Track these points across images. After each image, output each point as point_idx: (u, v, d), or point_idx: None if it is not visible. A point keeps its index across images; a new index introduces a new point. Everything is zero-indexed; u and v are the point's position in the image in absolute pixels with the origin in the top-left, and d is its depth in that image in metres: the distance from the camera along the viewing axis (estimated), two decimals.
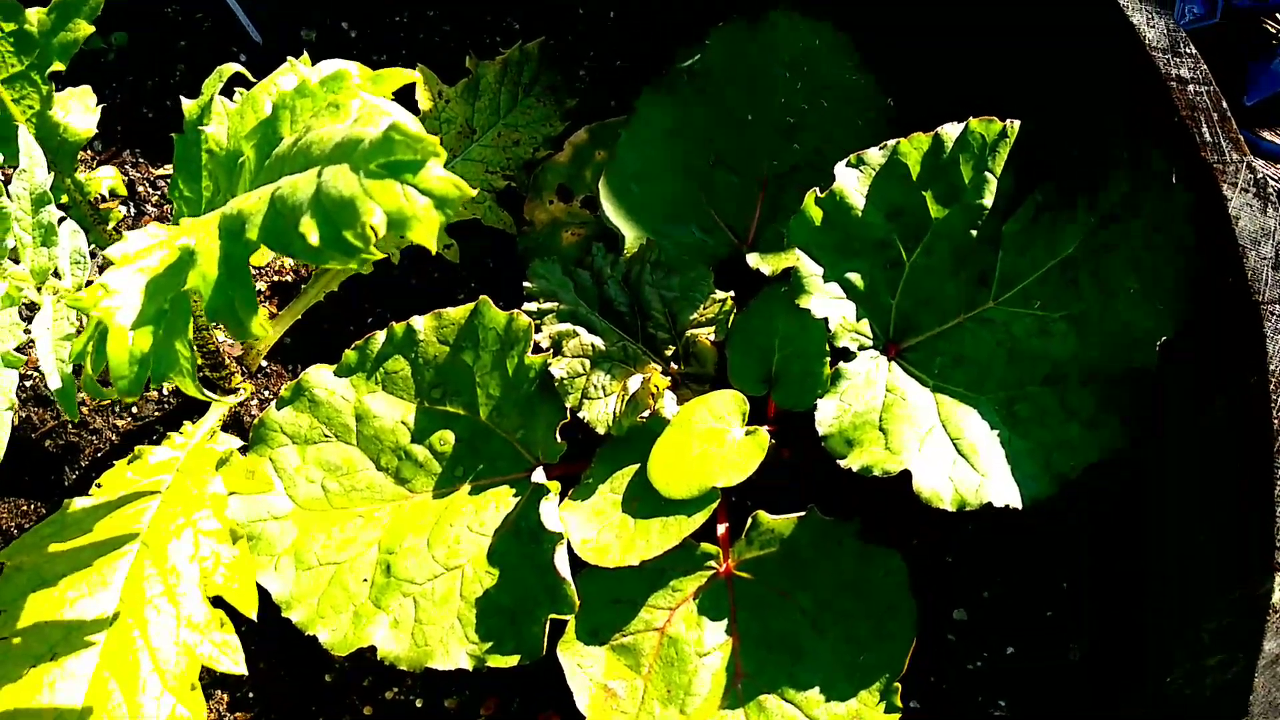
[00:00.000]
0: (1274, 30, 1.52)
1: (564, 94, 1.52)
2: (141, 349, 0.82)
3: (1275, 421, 0.97)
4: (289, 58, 0.91)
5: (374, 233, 0.72)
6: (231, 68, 1.01)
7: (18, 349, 1.06)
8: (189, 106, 0.99)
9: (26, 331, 1.10)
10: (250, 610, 1.08)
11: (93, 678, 0.99)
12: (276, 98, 0.86)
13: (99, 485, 1.17)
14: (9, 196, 1.08)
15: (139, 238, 0.85)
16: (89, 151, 1.58)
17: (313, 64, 0.97)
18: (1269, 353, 0.99)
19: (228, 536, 1.09)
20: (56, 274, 1.14)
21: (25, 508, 1.38)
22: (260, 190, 0.79)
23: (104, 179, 1.19)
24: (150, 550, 1.07)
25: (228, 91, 1.02)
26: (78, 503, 1.12)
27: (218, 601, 1.10)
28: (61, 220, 1.15)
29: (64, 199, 1.20)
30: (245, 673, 1.02)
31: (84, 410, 1.43)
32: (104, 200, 1.37)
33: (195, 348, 1.30)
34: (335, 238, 0.71)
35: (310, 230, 0.71)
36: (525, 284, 1.32)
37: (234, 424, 1.41)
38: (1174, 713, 1.01)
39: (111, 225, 1.26)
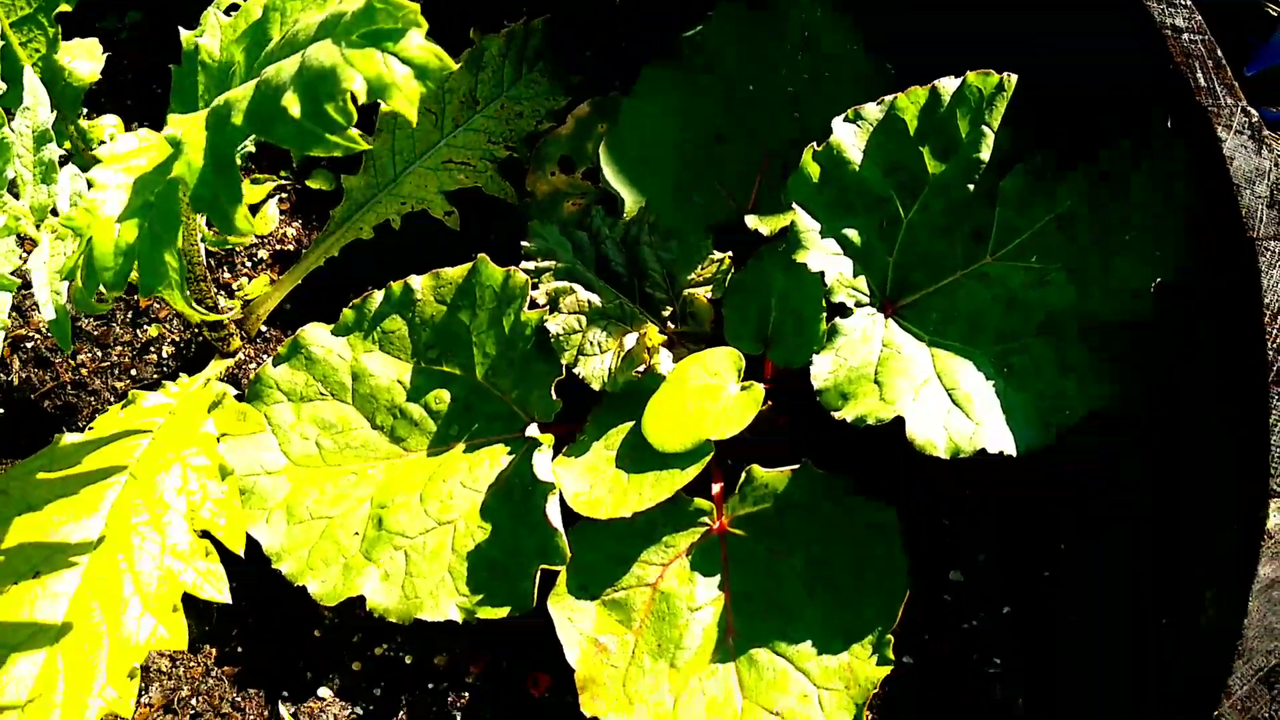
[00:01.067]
0: (1275, 13, 1.52)
1: (568, 71, 1.53)
2: (126, 240, 0.82)
3: (1270, 352, 0.96)
4: None
5: (354, 106, 0.72)
6: None
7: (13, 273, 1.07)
8: (187, 36, 1.00)
9: (22, 258, 1.12)
10: (238, 546, 1.07)
11: (74, 597, 0.98)
12: (267, 1, 0.87)
13: (92, 427, 1.18)
14: (12, 131, 1.09)
15: (128, 140, 0.86)
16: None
17: None
18: (1263, 287, 0.98)
19: (217, 473, 1.09)
20: (55, 213, 1.15)
21: None
22: (248, 83, 0.80)
23: (107, 126, 1.21)
24: (138, 482, 1.07)
25: None
26: (69, 438, 1.12)
27: (206, 539, 1.09)
28: (63, 162, 1.16)
29: (66, 145, 1.22)
30: (229, 600, 1.01)
31: (83, 371, 1.43)
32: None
33: (194, 303, 1.31)
34: (316, 111, 0.72)
35: (292, 104, 0.72)
36: (523, 243, 1.33)
37: (232, 385, 1.41)
38: (1172, 654, 0.99)
39: None
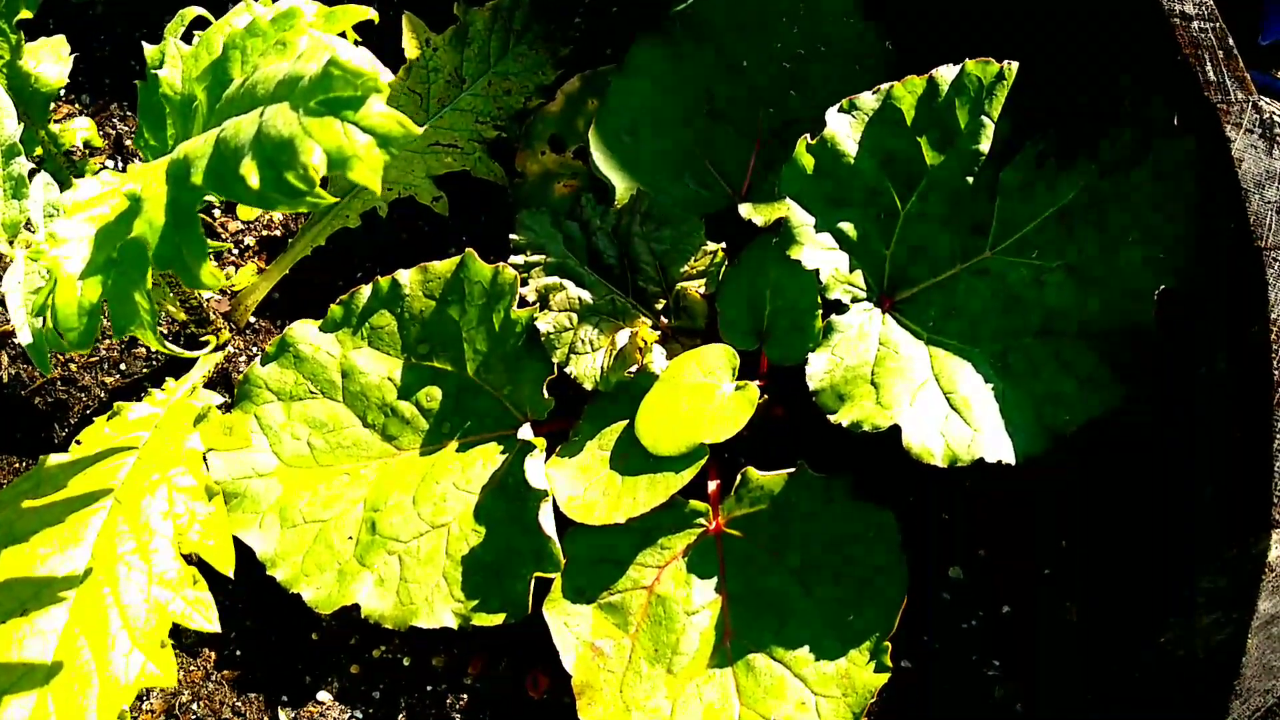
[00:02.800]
0: None
1: (557, 41, 1.48)
2: (90, 299, 0.79)
3: (1276, 373, 0.93)
4: None
5: (316, 174, 0.69)
6: (194, 11, 0.98)
7: None
8: (150, 52, 0.96)
9: None
10: (227, 568, 1.06)
11: (62, 634, 0.98)
12: (228, 37, 0.83)
13: (78, 443, 1.16)
14: None
15: (90, 186, 0.83)
16: (76, 105, 1.56)
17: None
18: (1270, 301, 0.95)
19: (203, 493, 1.07)
20: (29, 227, 1.12)
21: (17, 465, 1.37)
22: (207, 134, 0.77)
23: (78, 130, 1.17)
24: (124, 507, 1.05)
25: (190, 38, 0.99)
26: (54, 459, 1.11)
27: (194, 561, 1.08)
28: (33, 173, 1.13)
29: (38, 151, 1.18)
30: (218, 630, 1.01)
31: (72, 367, 1.41)
32: (85, 151, 1.35)
33: (177, 302, 1.29)
34: (276, 180, 0.69)
35: (250, 173, 0.68)
36: (512, 236, 1.30)
37: (222, 380, 1.40)
38: (1168, 674, 0.98)
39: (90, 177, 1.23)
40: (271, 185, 0.69)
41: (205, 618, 1.00)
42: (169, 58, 0.91)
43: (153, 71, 0.94)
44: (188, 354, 1.15)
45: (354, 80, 0.67)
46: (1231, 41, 1.05)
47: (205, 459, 1.18)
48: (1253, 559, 0.88)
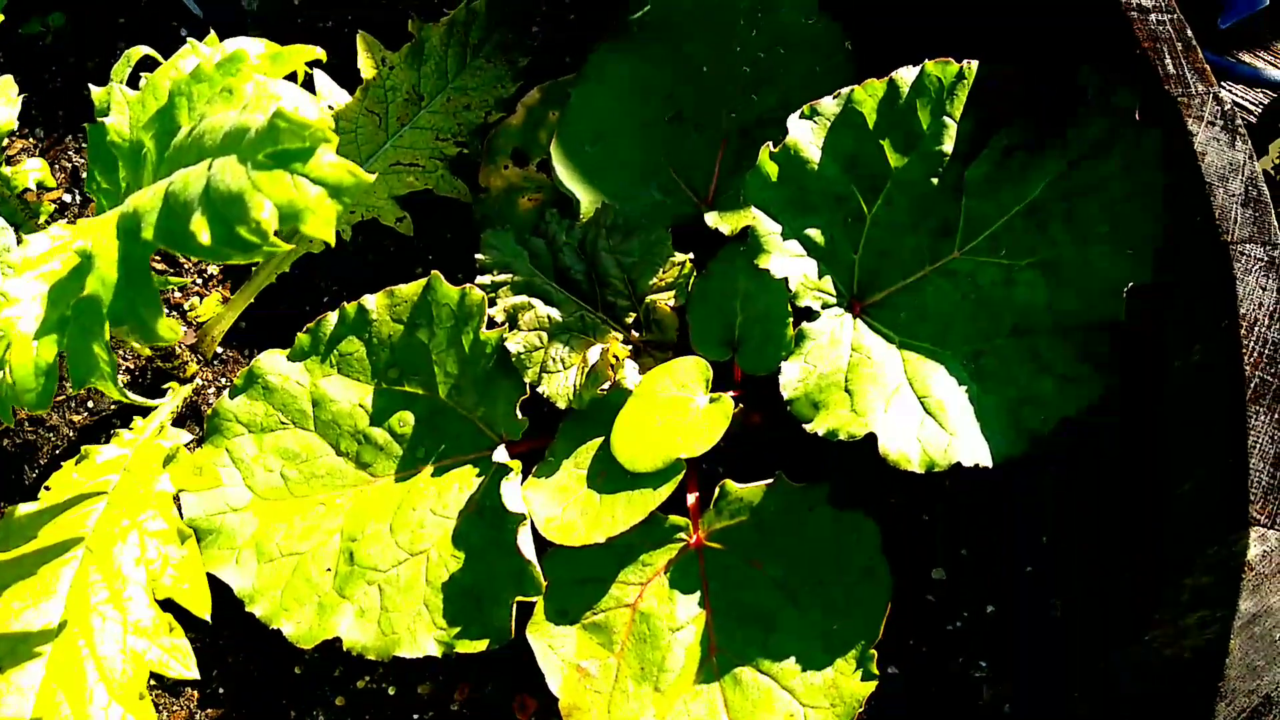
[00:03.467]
0: None
1: (516, 52, 1.47)
2: (46, 359, 0.78)
3: (1247, 369, 0.92)
4: (189, 39, 0.87)
5: (269, 226, 0.67)
6: (140, 50, 0.96)
7: None
8: (97, 95, 0.94)
9: None
10: (203, 611, 1.05)
11: (40, 690, 0.96)
12: (173, 84, 0.81)
13: (47, 488, 1.14)
14: None
15: (40, 242, 0.81)
16: (30, 139, 1.53)
17: (254, 36, 0.92)
18: (1239, 295, 0.94)
19: (175, 537, 1.06)
20: None
21: None
22: (156, 186, 0.75)
23: (30, 172, 1.15)
24: (95, 555, 1.04)
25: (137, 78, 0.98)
26: (22, 509, 1.09)
27: (170, 605, 1.07)
28: None
29: None
30: (196, 676, 1.00)
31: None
32: (39, 192, 1.33)
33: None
34: (228, 235, 0.67)
35: (201, 229, 0.67)
36: (478, 256, 1.28)
37: (192, 413, 1.38)
38: (1154, 674, 0.97)
39: (44, 218, 1.22)
40: (224, 240, 0.68)
41: (183, 664, 0.99)
42: (115, 104, 0.89)
43: (101, 114, 0.92)
44: (150, 403, 1.13)
45: (301, 132, 0.66)
46: (1190, 33, 1.05)
47: (177, 498, 1.17)
48: (1233, 555, 0.87)
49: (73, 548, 1.05)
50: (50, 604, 1.01)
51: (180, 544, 1.05)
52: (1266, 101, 1.40)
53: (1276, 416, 0.91)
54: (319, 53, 0.79)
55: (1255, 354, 0.93)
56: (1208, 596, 0.91)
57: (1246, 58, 1.42)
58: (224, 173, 0.67)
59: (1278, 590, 0.86)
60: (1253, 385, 0.92)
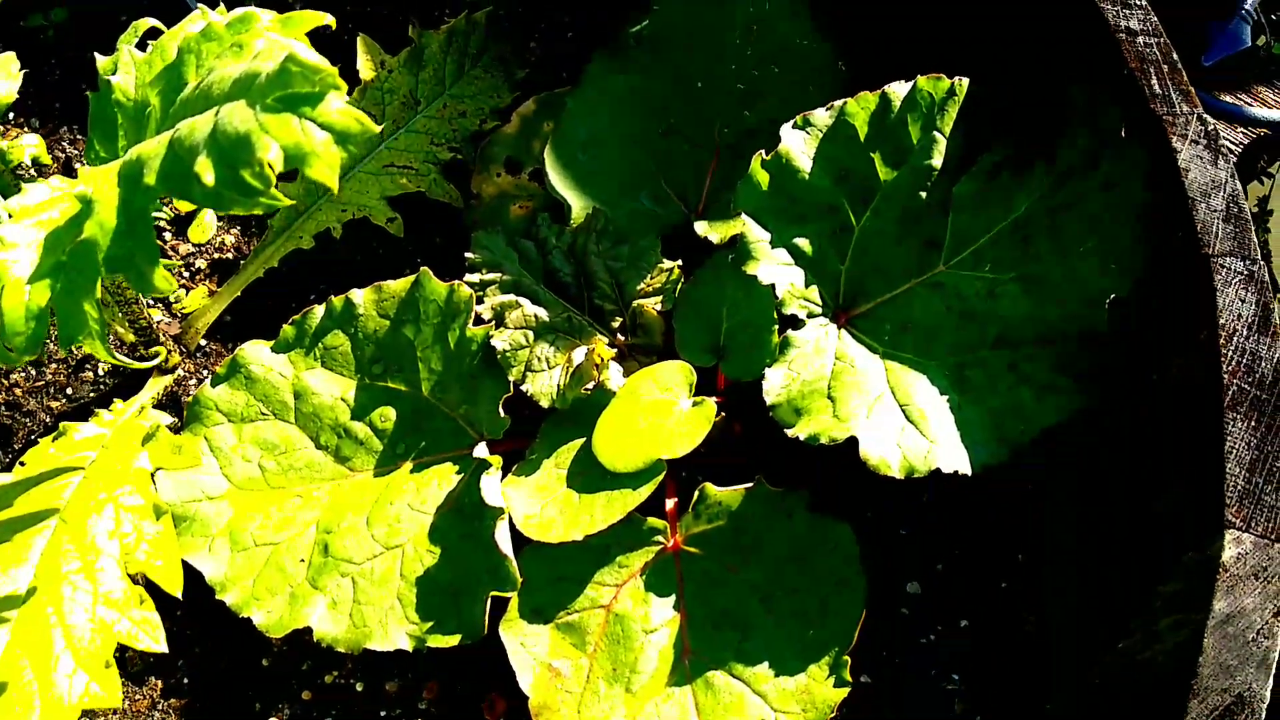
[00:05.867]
0: None
1: (513, 65, 1.49)
2: (38, 304, 0.78)
3: (1226, 376, 0.94)
4: (199, 4, 0.88)
5: (272, 171, 0.68)
6: (147, 22, 0.97)
7: None
8: (103, 63, 0.95)
9: None
10: (175, 589, 1.04)
11: (3, 655, 0.95)
12: (182, 42, 0.82)
13: (22, 464, 1.13)
14: None
15: (39, 191, 0.81)
16: (25, 129, 1.54)
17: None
18: (1219, 306, 0.96)
19: (151, 512, 1.05)
20: None
21: None
22: (161, 136, 0.76)
23: (27, 147, 1.15)
24: (69, 526, 1.03)
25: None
26: None
27: (141, 583, 1.06)
28: None
29: None
30: (165, 650, 0.98)
31: (17, 392, 1.39)
32: (34, 171, 1.33)
33: (125, 323, 1.26)
34: (232, 177, 0.68)
35: (205, 170, 0.68)
36: (468, 255, 1.29)
37: (171, 404, 1.37)
38: (1128, 679, 0.98)
39: None
40: (227, 183, 0.68)
41: (152, 638, 0.98)
42: (122, 64, 0.90)
43: (105, 79, 0.93)
44: (139, 364, 1.13)
45: (312, 77, 0.67)
46: (1176, 56, 1.07)
47: (153, 480, 1.16)
48: (1208, 560, 0.88)
49: (47, 518, 1.04)
50: (20, 570, 1.00)
51: (156, 520, 1.04)
52: (1246, 141, 1.44)
53: (1253, 424, 0.92)
54: (328, 19, 0.80)
55: (1234, 363, 0.94)
56: (1181, 601, 0.92)
57: (1227, 97, 1.46)
58: (232, 116, 0.68)
59: (1251, 592, 0.87)
60: (1230, 393, 0.93)
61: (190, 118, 0.73)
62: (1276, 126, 1.43)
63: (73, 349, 1.41)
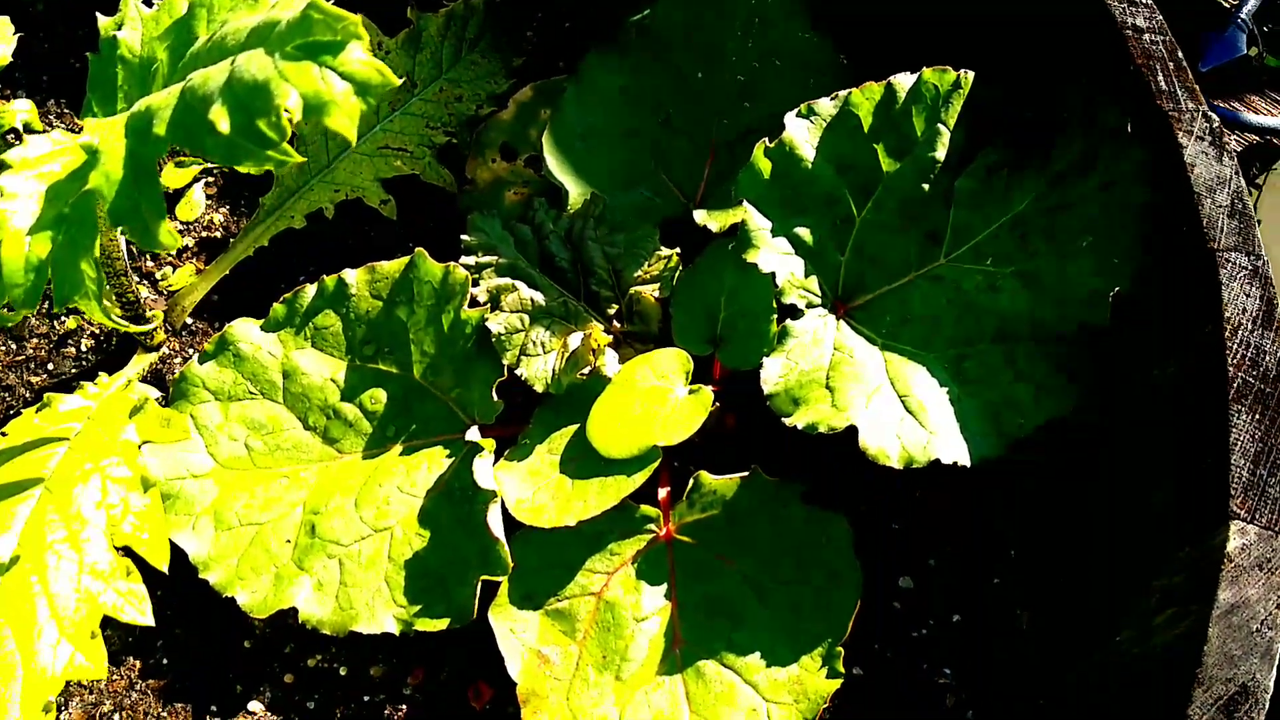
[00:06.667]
0: (1228, 4, 1.51)
1: (510, 52, 1.48)
2: (39, 255, 0.76)
3: (1230, 369, 0.94)
4: None
5: (289, 122, 0.67)
6: None
7: None
8: (106, 22, 0.93)
9: None
10: (161, 562, 1.01)
11: None
12: None
13: (4, 434, 1.11)
14: None
15: (41, 143, 0.80)
16: (15, 100, 1.51)
17: None
18: (1224, 301, 0.96)
19: (139, 484, 1.03)
20: None
21: None
22: (170, 88, 0.74)
23: (19, 111, 1.13)
24: (54, 495, 1.01)
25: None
26: None
27: (129, 555, 1.03)
28: None
29: None
30: (151, 623, 0.96)
31: None
32: (18, 135, 1.31)
33: (113, 296, 1.24)
34: (247, 126, 0.66)
35: (220, 118, 0.66)
36: (464, 237, 1.28)
37: (156, 383, 1.35)
38: (1122, 674, 0.97)
39: None
40: (241, 132, 0.67)
41: (138, 610, 0.96)
42: (128, 20, 0.88)
43: (108, 37, 0.91)
44: (133, 327, 1.11)
45: (334, 25, 0.65)
46: (1181, 54, 1.08)
47: (141, 453, 1.14)
48: (1212, 551, 0.88)
49: (31, 487, 1.01)
50: (3, 539, 0.97)
51: (143, 492, 1.02)
52: (1239, 149, 1.45)
53: (1257, 416, 0.92)
54: None
55: (1238, 356, 0.94)
56: (1178, 595, 0.92)
57: (1220, 102, 1.47)
58: (249, 64, 0.67)
59: (1255, 583, 0.86)
60: (1235, 385, 0.93)
61: (203, 69, 0.72)
62: (1272, 133, 1.44)
63: (55, 324, 1.38)
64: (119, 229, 0.74)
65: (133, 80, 0.89)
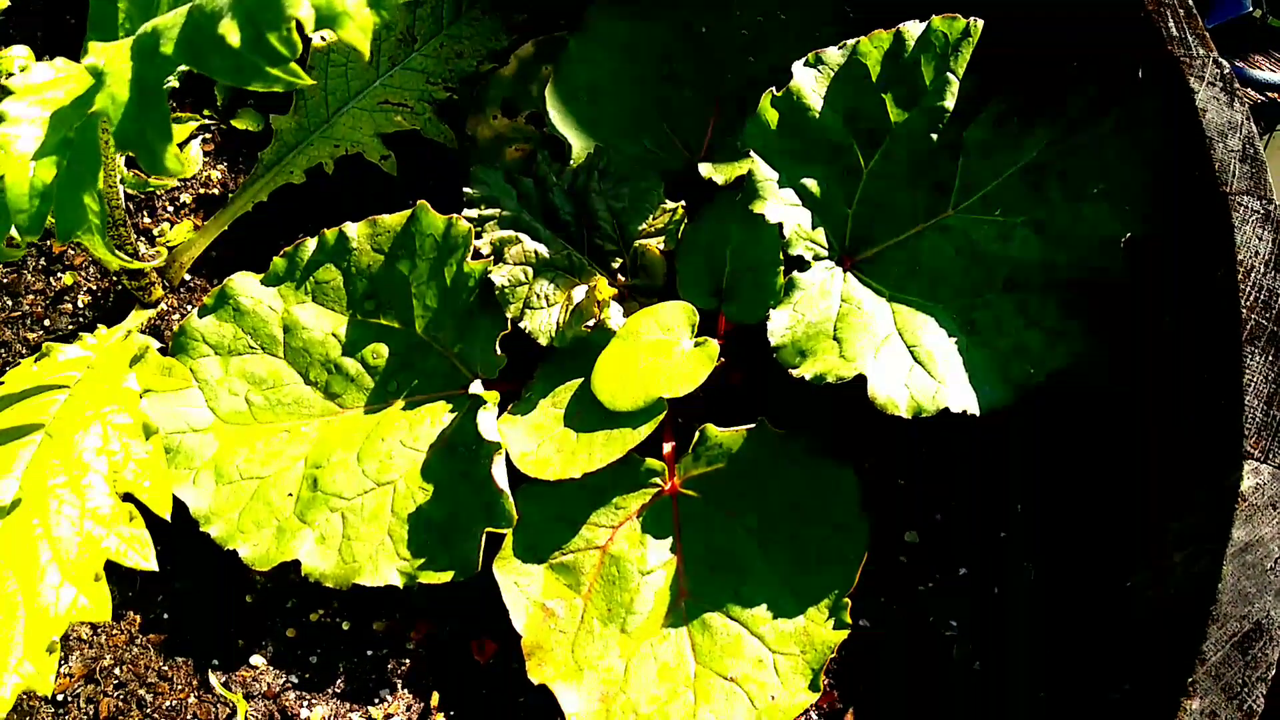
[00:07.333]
0: None
1: (511, 8, 1.46)
2: (43, 180, 0.75)
3: (1244, 312, 0.93)
4: None
5: (298, 39, 0.66)
6: None
7: None
8: None
9: None
10: (164, 510, 1.00)
11: None
12: None
13: (2, 382, 1.10)
14: None
15: (43, 70, 0.78)
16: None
17: None
18: (1236, 244, 0.95)
19: (140, 432, 1.02)
20: None
21: None
22: (177, 9, 0.73)
23: (16, 57, 1.11)
24: (55, 441, 0.99)
25: None
26: None
27: (130, 503, 1.02)
28: None
29: None
30: (155, 568, 0.95)
31: None
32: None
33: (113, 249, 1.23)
34: (256, 40, 0.65)
35: (231, 32, 0.65)
36: (466, 190, 1.26)
37: (154, 338, 1.33)
38: (1135, 617, 0.97)
39: None
40: (252, 47, 0.65)
41: (141, 555, 0.95)
42: None
43: None
44: (138, 264, 1.09)
45: None
46: (1191, 1, 1.07)
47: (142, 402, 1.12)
48: (1226, 491, 0.88)
49: (31, 433, 1.00)
50: (4, 483, 0.96)
51: (145, 440, 1.01)
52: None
53: (1270, 357, 0.91)
54: None
55: (1251, 299, 0.94)
56: (1193, 536, 0.91)
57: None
58: None
59: (1269, 521, 0.86)
60: (1248, 327, 0.93)
61: None
62: (1275, 88, 1.43)
63: (51, 280, 1.37)
64: (124, 154, 0.73)
65: (135, 12, 0.87)
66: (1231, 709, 0.81)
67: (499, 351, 1.21)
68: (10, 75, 1.09)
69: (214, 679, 1.16)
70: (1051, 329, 1.12)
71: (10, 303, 1.35)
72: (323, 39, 1.38)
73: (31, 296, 1.36)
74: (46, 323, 1.35)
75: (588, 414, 1.18)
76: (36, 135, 0.75)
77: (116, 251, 0.89)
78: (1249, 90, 1.46)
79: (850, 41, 1.15)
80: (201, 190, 1.43)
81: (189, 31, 0.69)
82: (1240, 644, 0.83)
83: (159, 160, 0.73)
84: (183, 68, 0.73)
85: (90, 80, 0.76)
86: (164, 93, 0.72)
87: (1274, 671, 0.83)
